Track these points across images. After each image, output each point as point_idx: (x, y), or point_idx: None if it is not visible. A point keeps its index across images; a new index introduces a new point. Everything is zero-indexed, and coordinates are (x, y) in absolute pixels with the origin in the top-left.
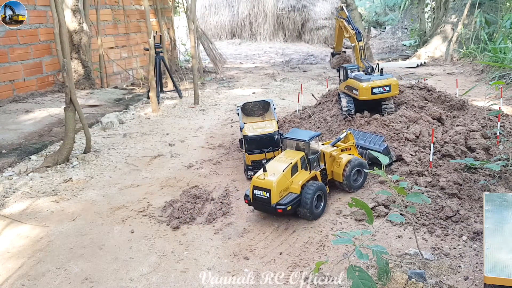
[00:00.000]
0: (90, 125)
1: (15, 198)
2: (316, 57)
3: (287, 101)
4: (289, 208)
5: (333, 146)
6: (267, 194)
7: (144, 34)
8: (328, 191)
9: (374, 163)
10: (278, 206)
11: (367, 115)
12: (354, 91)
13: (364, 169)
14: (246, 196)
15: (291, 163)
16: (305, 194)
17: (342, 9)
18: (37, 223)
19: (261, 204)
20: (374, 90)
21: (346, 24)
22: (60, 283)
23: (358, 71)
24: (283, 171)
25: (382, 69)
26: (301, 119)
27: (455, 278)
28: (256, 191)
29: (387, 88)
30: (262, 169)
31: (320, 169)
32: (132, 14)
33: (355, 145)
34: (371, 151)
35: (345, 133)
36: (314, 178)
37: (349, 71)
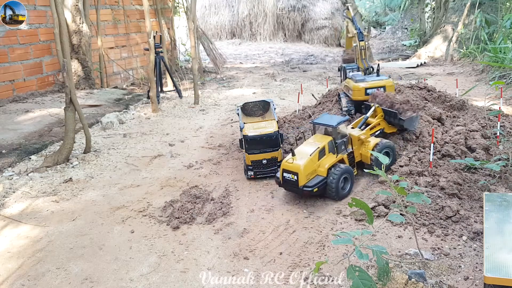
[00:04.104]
0: (90, 125)
1: (15, 198)
2: (316, 57)
3: (287, 101)
4: (315, 190)
5: (364, 124)
6: (295, 177)
7: (144, 34)
8: (356, 173)
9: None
10: (305, 188)
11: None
12: (350, 91)
13: (392, 151)
14: (277, 178)
15: (319, 147)
16: (331, 176)
17: (348, 8)
18: (37, 223)
19: (290, 186)
20: (368, 91)
21: (351, 24)
22: (60, 283)
23: (358, 71)
24: (310, 155)
25: (378, 70)
26: (301, 119)
27: (455, 278)
28: (285, 174)
29: (381, 89)
30: (291, 153)
31: (347, 153)
32: (132, 14)
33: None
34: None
35: (373, 108)
36: (341, 161)
37: (347, 71)
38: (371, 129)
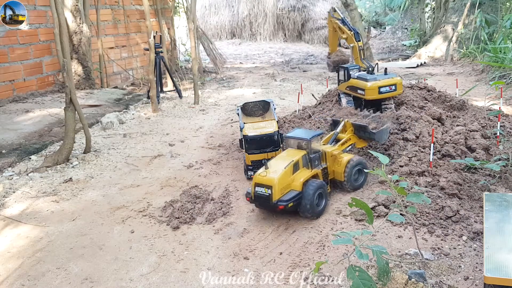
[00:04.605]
0: (90, 125)
1: (15, 198)
2: (316, 57)
3: (287, 101)
4: (290, 205)
5: (335, 140)
6: (269, 191)
7: (144, 34)
8: (329, 190)
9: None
10: (279, 203)
11: None
12: (359, 91)
13: (364, 168)
14: (247, 193)
15: (293, 161)
16: (306, 191)
17: (335, 10)
18: (37, 223)
19: (263, 201)
20: (381, 90)
21: (341, 25)
22: (60, 283)
23: (359, 71)
24: (284, 168)
25: (386, 68)
26: (301, 119)
27: (455, 278)
28: (257, 188)
29: (393, 87)
30: (264, 167)
31: (321, 168)
32: (132, 14)
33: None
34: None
35: (342, 123)
36: (315, 176)
37: (351, 72)
38: (342, 144)
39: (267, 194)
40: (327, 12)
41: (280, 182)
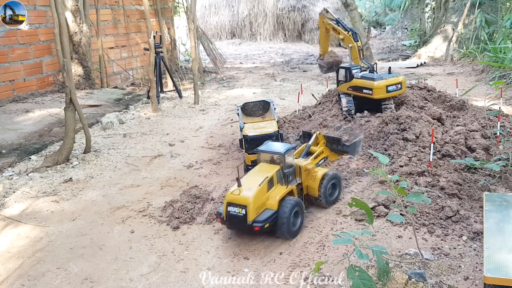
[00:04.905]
0: (90, 125)
1: (15, 198)
2: (316, 57)
3: (287, 101)
4: (266, 225)
5: (307, 153)
6: (243, 211)
7: (144, 34)
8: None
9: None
10: (255, 224)
11: (367, 114)
12: (365, 91)
13: (339, 182)
14: (218, 213)
15: (267, 177)
16: (282, 210)
17: (327, 11)
18: (37, 223)
19: (236, 222)
20: (389, 88)
21: (336, 26)
22: (60, 283)
23: (361, 71)
24: (259, 185)
25: (390, 67)
26: (301, 119)
27: (455, 278)
28: (230, 208)
29: (399, 86)
30: (236, 184)
31: (296, 184)
32: (132, 14)
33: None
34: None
35: (314, 135)
36: (291, 193)
37: (353, 72)
38: (315, 158)
39: (242, 214)
40: (318, 14)
41: (255, 201)
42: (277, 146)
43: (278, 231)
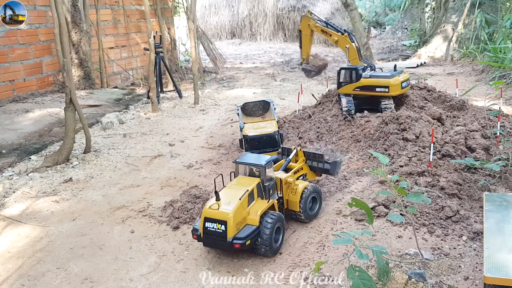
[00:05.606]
0: (90, 125)
1: (15, 198)
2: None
3: (287, 101)
4: (248, 242)
5: (286, 168)
6: (222, 227)
7: (144, 34)
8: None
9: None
10: (235, 241)
11: (367, 114)
12: (379, 89)
13: (319, 196)
14: (194, 230)
15: (247, 190)
16: (264, 226)
17: (311, 13)
18: (37, 223)
19: (215, 239)
20: (403, 85)
21: (326, 28)
22: (60, 283)
23: (364, 71)
24: (239, 199)
25: (395, 65)
26: (301, 119)
27: (455, 278)
28: (208, 224)
29: (408, 82)
30: (214, 198)
31: (277, 198)
32: (132, 14)
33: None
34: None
35: (294, 151)
36: (272, 208)
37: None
38: (294, 173)
39: (221, 231)
40: (300, 17)
41: (235, 216)
42: (257, 158)
43: (259, 248)
